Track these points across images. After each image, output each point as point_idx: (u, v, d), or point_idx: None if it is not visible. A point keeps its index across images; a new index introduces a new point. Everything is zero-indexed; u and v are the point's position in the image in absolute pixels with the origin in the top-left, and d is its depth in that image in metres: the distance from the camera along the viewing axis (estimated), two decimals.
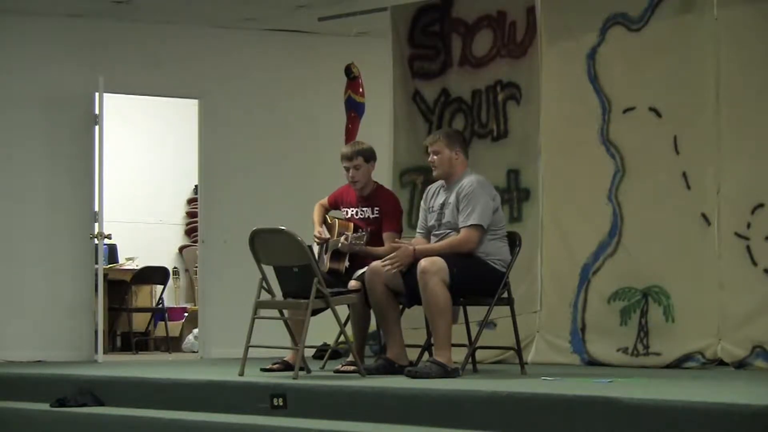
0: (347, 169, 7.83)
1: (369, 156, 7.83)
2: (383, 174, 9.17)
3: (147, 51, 10.53)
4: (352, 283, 7.49)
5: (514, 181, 8.85)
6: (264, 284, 7.29)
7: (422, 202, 7.54)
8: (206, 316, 10.61)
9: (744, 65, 7.81)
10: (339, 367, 7.48)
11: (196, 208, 11.46)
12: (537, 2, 8.80)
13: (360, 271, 7.56)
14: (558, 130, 8.67)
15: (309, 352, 8.51)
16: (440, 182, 7.43)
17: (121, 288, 12.25)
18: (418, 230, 7.51)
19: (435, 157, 7.33)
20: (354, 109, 10.04)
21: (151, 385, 7.28)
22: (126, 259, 12.88)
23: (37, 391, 7.62)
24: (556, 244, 8.61)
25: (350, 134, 9.94)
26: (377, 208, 7.84)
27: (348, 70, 10.00)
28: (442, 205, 7.31)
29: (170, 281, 13.04)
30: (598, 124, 8.42)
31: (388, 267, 7.10)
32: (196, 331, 11.50)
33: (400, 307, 7.41)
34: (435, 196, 7.43)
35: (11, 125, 10.16)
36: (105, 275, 10.57)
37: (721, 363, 7.76)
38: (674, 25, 8.07)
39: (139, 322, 12.63)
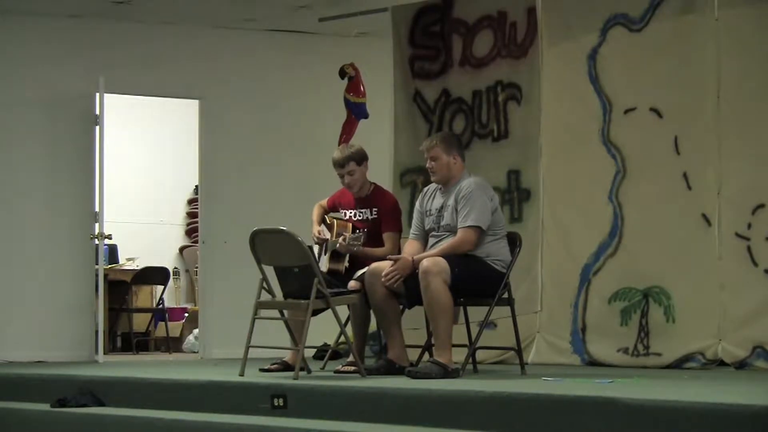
0: (341, 176, 7.84)
1: (360, 159, 7.83)
2: (384, 174, 9.18)
3: (147, 51, 10.53)
4: (352, 284, 7.50)
5: (514, 182, 8.85)
6: (264, 284, 7.30)
7: (417, 205, 7.53)
8: (207, 317, 10.62)
9: (745, 66, 7.81)
10: (339, 367, 7.48)
11: (197, 208, 11.47)
12: (537, 3, 8.80)
13: (360, 272, 7.57)
14: (558, 130, 8.68)
15: (309, 353, 8.51)
16: (436, 184, 7.42)
17: (121, 288, 12.26)
18: (412, 232, 7.50)
19: (433, 162, 7.32)
20: (349, 109, 10.03)
21: (151, 385, 7.29)
22: (126, 259, 12.89)
23: (37, 392, 7.61)
24: (557, 244, 8.62)
25: (344, 134, 9.94)
26: (375, 209, 7.84)
27: (342, 72, 9.99)
28: (441, 208, 7.30)
29: (171, 282, 13.06)
30: (599, 124, 8.42)
31: (390, 282, 7.10)
32: (196, 331, 11.51)
33: (401, 307, 7.42)
34: (432, 198, 7.42)
35: (11, 125, 10.17)
36: (105, 276, 10.57)
37: (721, 363, 7.77)
38: (675, 26, 8.07)
39: (140, 322, 12.64)
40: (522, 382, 6.69)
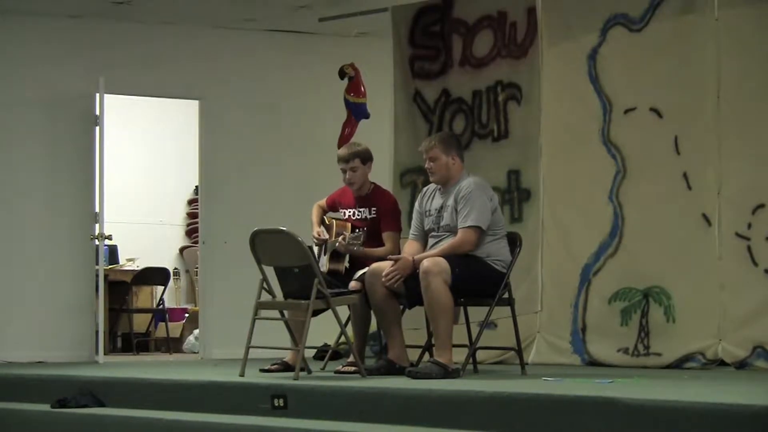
0: (344, 171, 7.84)
1: (365, 157, 7.83)
2: (384, 174, 9.17)
3: (147, 52, 10.53)
4: (353, 284, 7.50)
5: (514, 182, 8.85)
6: (264, 285, 7.30)
7: (416, 205, 7.52)
8: (207, 317, 10.62)
9: (744, 66, 7.81)
10: (339, 367, 7.48)
11: (197, 208, 11.47)
12: (537, 3, 8.80)
13: (360, 272, 7.56)
14: (558, 130, 8.68)
15: (309, 353, 8.51)
16: (435, 185, 7.42)
17: (121, 289, 12.26)
18: (411, 233, 7.49)
19: (432, 163, 7.31)
20: (349, 110, 10.01)
21: (151, 385, 7.29)
22: (127, 260, 12.89)
23: (37, 392, 7.61)
24: (557, 244, 8.62)
25: (343, 134, 9.93)
26: (374, 209, 7.84)
27: (341, 72, 9.98)
28: (440, 209, 7.30)
29: (171, 282, 13.05)
30: (599, 124, 8.43)
31: (391, 281, 7.10)
32: (196, 331, 11.51)
33: (401, 307, 7.42)
34: (431, 199, 7.42)
35: (11, 126, 10.16)
36: (105, 276, 10.57)
37: (721, 363, 7.77)
38: (675, 26, 8.07)
39: (140, 322, 12.64)
40: (522, 382, 6.69)
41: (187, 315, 12.85)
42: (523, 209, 8.79)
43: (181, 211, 14.18)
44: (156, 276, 12.61)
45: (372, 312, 7.49)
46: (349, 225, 7.86)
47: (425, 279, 6.92)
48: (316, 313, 7.14)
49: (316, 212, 8.06)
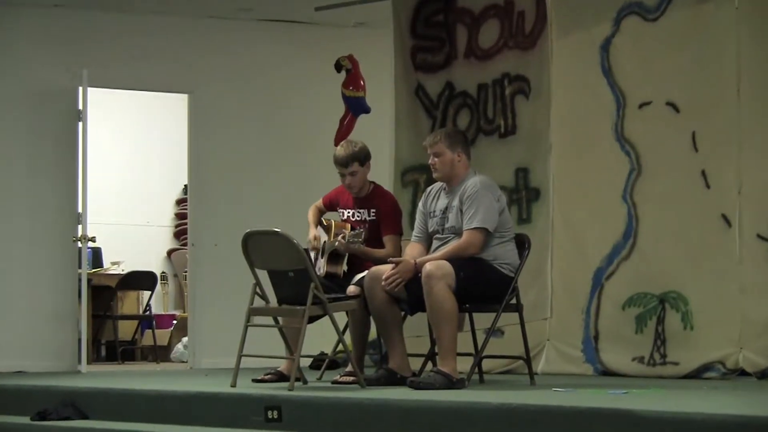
0: (342, 176, 7.81)
1: (364, 158, 7.80)
2: (384, 173, 9.17)
3: (134, 43, 10.52)
4: (351, 289, 7.49)
5: (522, 180, 8.86)
6: (258, 290, 7.29)
7: (420, 206, 7.52)
8: (196, 324, 10.61)
9: (765, 57, 7.80)
10: (337, 377, 7.49)
11: (186, 209, 11.47)
12: None
13: (359, 276, 7.55)
14: (569, 126, 8.68)
15: (305, 362, 8.50)
16: (440, 184, 7.42)
17: (106, 294, 12.29)
18: (414, 235, 7.48)
19: (436, 159, 7.31)
20: (346, 105, 9.98)
21: (137, 397, 7.29)
22: (111, 263, 12.91)
23: (17, 403, 7.62)
24: (568, 246, 8.62)
25: (340, 130, 9.91)
26: (374, 210, 7.82)
27: (338, 65, 9.95)
28: (445, 209, 7.29)
29: (158, 287, 13.08)
30: (612, 119, 8.42)
31: (391, 285, 7.08)
32: (185, 339, 11.50)
33: (402, 314, 7.40)
34: (435, 199, 7.41)
35: None
36: (89, 280, 10.57)
37: (742, 373, 7.76)
38: (692, 15, 8.07)
39: (125, 330, 12.66)
40: (531, 393, 6.70)
41: (175, 322, 12.87)
42: (532, 209, 8.79)
43: (169, 211, 14.19)
44: (142, 280, 12.62)
45: (371, 318, 7.47)
46: (348, 225, 7.84)
47: (428, 283, 6.91)
48: (312, 319, 7.15)
49: (313, 214, 8.05)
